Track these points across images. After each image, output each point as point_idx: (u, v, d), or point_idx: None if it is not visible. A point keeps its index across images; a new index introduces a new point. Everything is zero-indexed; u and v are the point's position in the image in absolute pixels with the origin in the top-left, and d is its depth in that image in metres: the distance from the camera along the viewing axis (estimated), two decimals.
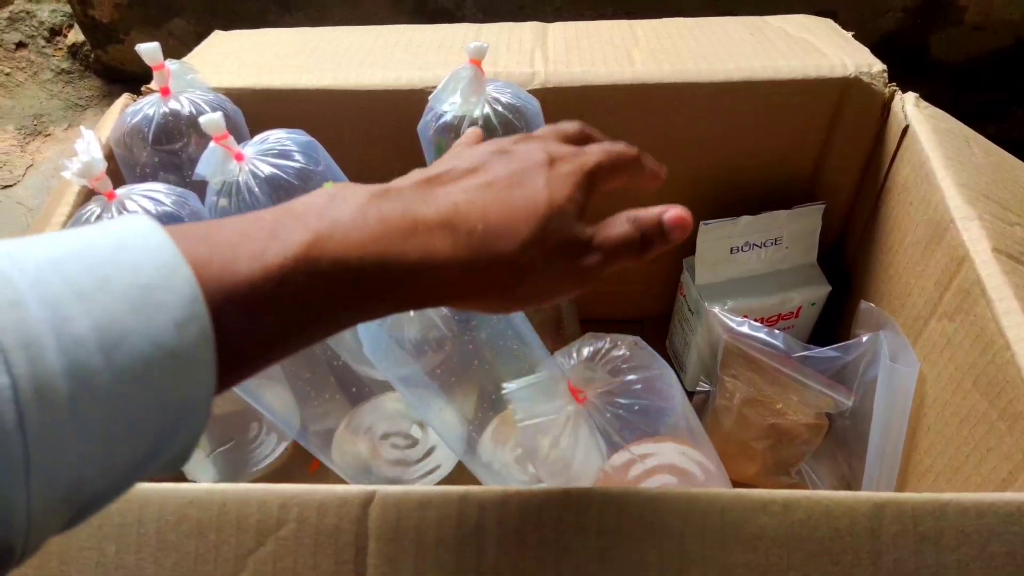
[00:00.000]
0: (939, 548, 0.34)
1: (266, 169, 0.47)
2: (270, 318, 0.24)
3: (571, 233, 0.29)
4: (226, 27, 0.73)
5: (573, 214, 0.30)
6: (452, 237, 0.27)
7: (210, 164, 0.47)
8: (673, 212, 0.31)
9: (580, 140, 0.34)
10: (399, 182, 0.29)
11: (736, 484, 0.65)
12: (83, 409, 0.20)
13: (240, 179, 0.47)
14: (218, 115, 0.45)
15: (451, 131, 0.53)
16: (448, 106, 0.53)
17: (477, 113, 0.52)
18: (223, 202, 0.47)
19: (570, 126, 0.35)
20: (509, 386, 0.37)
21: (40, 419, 0.19)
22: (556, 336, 0.68)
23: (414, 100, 0.58)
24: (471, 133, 0.37)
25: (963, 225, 0.48)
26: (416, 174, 0.30)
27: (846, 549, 0.34)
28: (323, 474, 0.59)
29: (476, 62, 0.52)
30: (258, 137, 0.50)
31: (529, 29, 0.69)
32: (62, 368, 0.19)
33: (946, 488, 0.47)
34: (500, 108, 0.53)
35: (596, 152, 0.32)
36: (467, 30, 0.70)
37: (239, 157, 0.47)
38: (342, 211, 0.26)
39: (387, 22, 1.19)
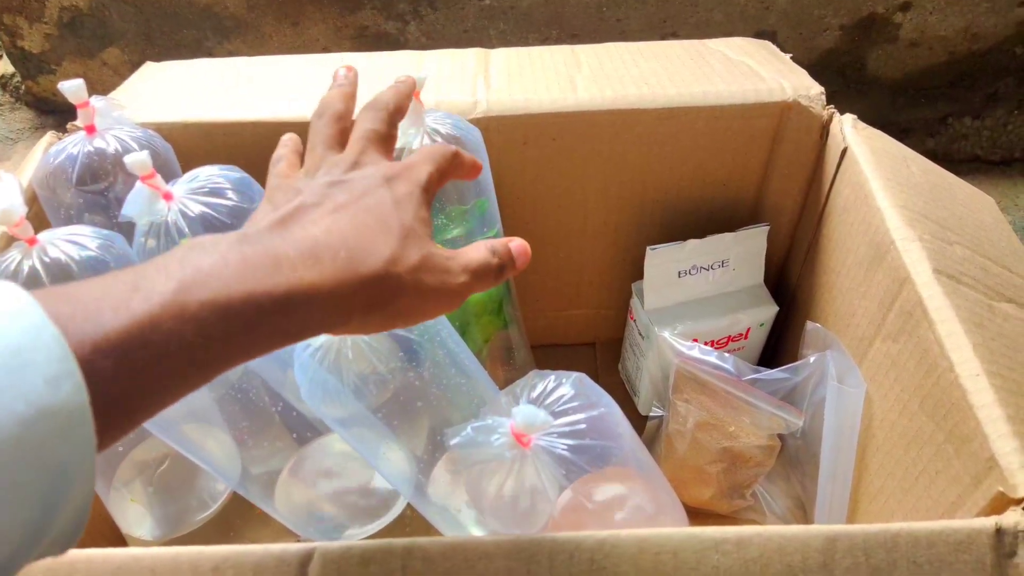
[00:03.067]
0: None
1: (196, 208, 0.45)
2: (145, 366, 0.23)
3: (429, 251, 0.32)
4: (162, 56, 0.71)
5: (425, 233, 0.32)
6: (318, 267, 0.28)
7: (137, 204, 0.45)
8: (517, 241, 0.35)
9: (394, 114, 0.37)
10: (253, 226, 0.30)
11: (692, 509, 0.65)
12: None
13: (169, 219, 0.45)
14: (144, 153, 0.43)
15: None
16: None
17: (416, 144, 0.51)
18: (151, 243, 0.45)
19: (380, 113, 0.36)
20: (452, 432, 0.36)
21: None
22: (507, 365, 0.67)
23: None
24: (285, 157, 0.38)
25: (903, 246, 0.48)
26: (267, 215, 0.31)
27: None
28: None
29: (415, 93, 0.51)
30: (188, 174, 0.48)
31: (472, 56, 0.68)
32: None
33: (897, 511, 0.47)
34: (439, 139, 0.52)
35: (425, 163, 0.34)
36: (408, 58, 0.69)
37: (168, 196, 0.45)
38: (203, 259, 0.26)
39: (329, 47, 1.17)
